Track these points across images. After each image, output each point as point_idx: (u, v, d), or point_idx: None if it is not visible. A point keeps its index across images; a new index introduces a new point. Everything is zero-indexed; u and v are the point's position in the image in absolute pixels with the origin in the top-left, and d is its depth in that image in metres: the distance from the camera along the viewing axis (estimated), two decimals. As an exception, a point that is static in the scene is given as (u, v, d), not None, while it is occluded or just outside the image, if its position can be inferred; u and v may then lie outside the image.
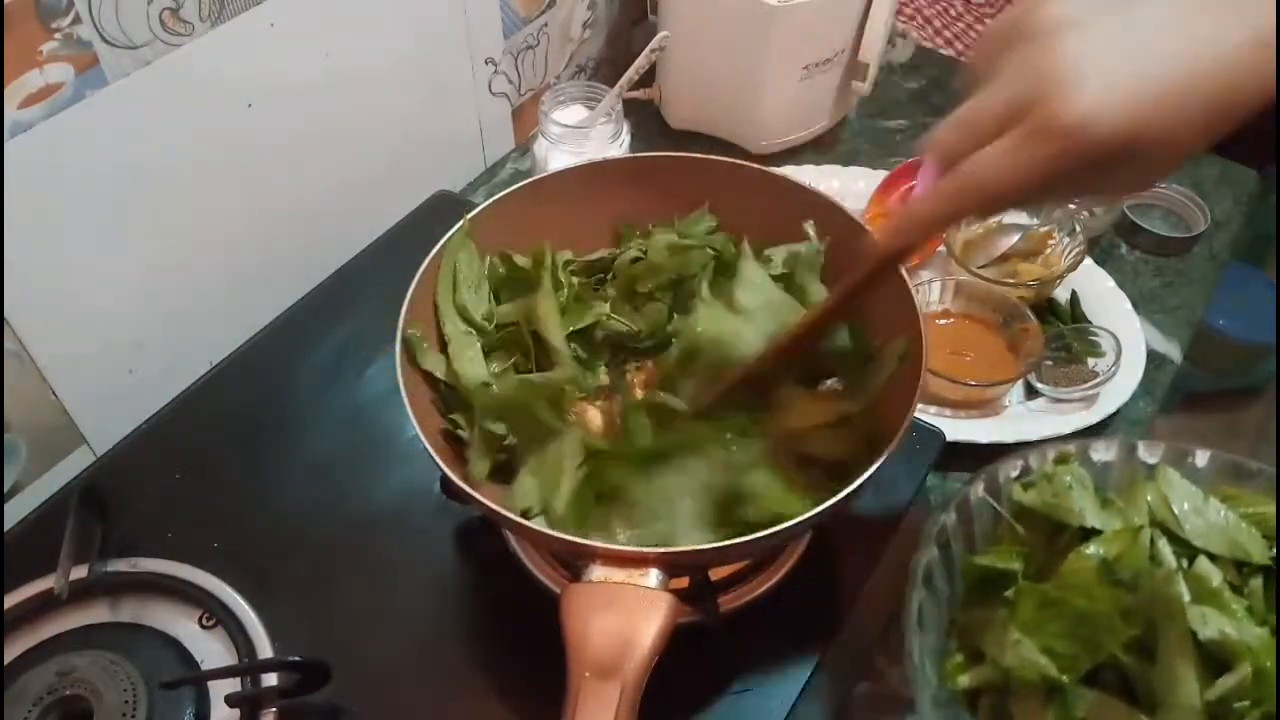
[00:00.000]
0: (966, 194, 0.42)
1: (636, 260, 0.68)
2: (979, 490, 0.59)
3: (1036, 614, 0.52)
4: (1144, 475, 0.59)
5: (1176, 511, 0.55)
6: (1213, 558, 0.53)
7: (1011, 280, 0.87)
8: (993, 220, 0.93)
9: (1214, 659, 0.49)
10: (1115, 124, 0.37)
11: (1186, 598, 0.51)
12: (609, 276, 0.69)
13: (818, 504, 0.51)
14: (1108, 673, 0.52)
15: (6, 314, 0.65)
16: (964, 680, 0.54)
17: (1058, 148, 0.38)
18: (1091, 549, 0.53)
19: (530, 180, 0.68)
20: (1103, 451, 0.60)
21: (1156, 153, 0.38)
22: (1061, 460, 0.59)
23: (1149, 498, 0.56)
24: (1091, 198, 0.42)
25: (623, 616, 0.47)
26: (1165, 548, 0.54)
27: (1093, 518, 0.55)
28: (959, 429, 0.77)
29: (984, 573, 0.56)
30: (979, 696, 0.55)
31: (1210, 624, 0.49)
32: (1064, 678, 0.50)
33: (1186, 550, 0.54)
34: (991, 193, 0.41)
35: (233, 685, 0.57)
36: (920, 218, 0.46)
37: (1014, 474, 0.60)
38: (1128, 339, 0.84)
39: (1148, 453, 0.60)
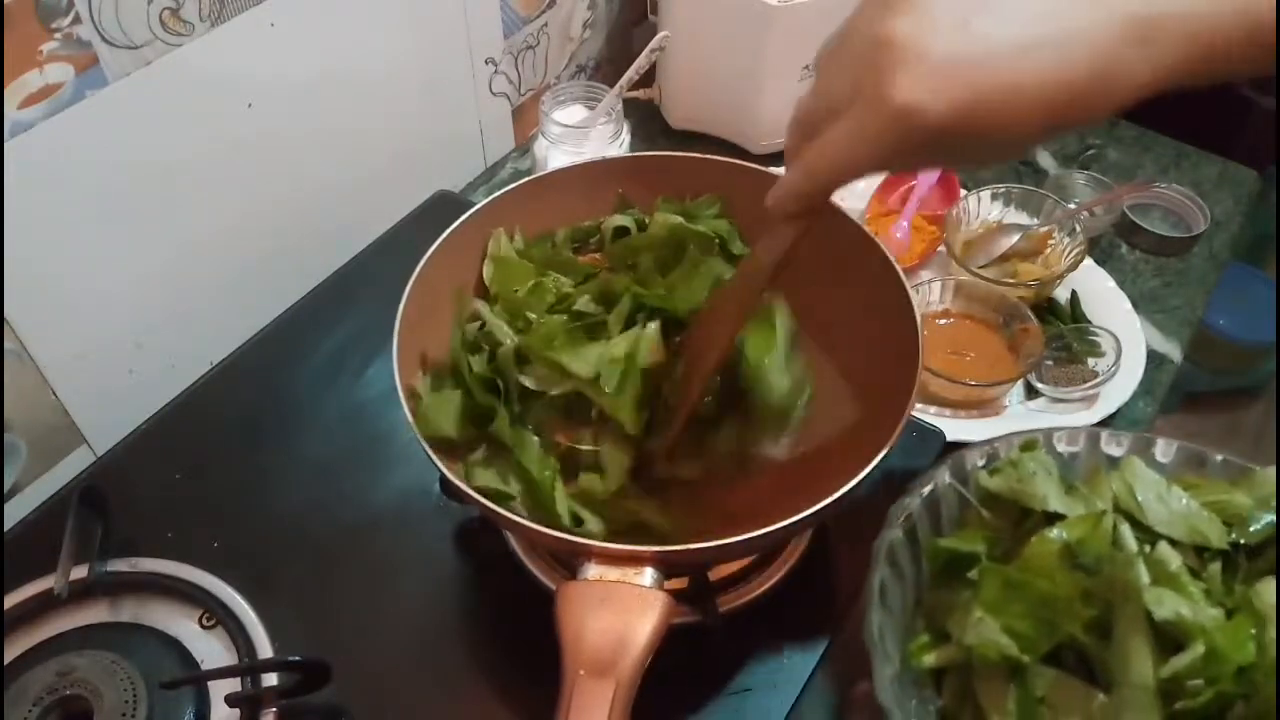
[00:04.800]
0: (817, 174, 0.44)
1: (622, 230, 0.68)
2: (945, 476, 0.60)
3: (999, 594, 0.53)
4: (1108, 465, 0.60)
5: (1139, 499, 0.56)
6: (1173, 543, 0.54)
7: (1011, 280, 0.87)
8: (993, 220, 0.93)
9: (1169, 640, 0.51)
10: (939, 113, 0.38)
11: (1145, 580, 0.52)
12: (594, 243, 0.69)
13: (817, 504, 0.51)
14: (1067, 653, 0.53)
15: (6, 314, 0.65)
16: (929, 659, 0.55)
17: (888, 130, 0.39)
18: (1055, 533, 0.55)
19: (530, 179, 0.68)
20: (1066, 443, 0.62)
21: (991, 138, 0.39)
22: (1027, 447, 0.60)
23: (1113, 485, 0.58)
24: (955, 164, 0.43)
25: (618, 615, 0.47)
26: (1127, 533, 0.55)
27: (1056, 503, 0.56)
28: (959, 429, 0.77)
29: (949, 555, 0.57)
30: (943, 676, 0.56)
31: (1166, 605, 0.50)
32: (1025, 657, 0.51)
33: (1148, 536, 0.55)
34: (840, 169, 0.43)
35: (233, 685, 0.57)
36: (783, 199, 0.47)
37: (980, 462, 0.61)
38: (1128, 339, 0.84)
39: (1111, 444, 0.61)
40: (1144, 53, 0.37)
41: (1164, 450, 0.61)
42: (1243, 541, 0.55)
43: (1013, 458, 0.60)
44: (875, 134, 0.40)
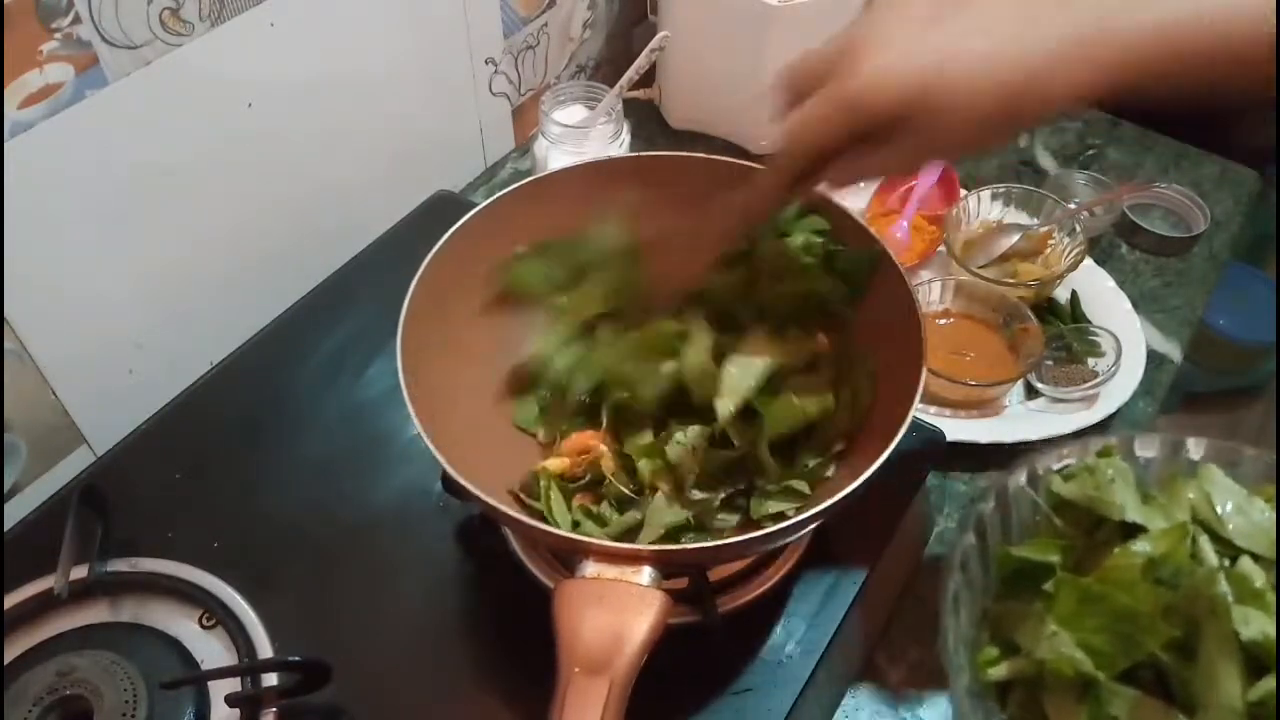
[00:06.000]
0: (793, 132, 0.50)
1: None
2: (1019, 480, 0.58)
3: (1076, 608, 0.51)
4: (1187, 472, 0.57)
5: (1219, 510, 0.54)
6: (1255, 558, 0.52)
7: (1011, 280, 0.87)
8: (993, 220, 0.93)
9: (1255, 661, 0.48)
10: (892, 86, 0.45)
11: (1229, 598, 0.50)
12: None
13: (817, 504, 0.51)
14: (1144, 671, 0.51)
15: (6, 314, 0.65)
16: (997, 672, 0.53)
17: (850, 98, 0.46)
18: (1138, 546, 0.52)
19: (532, 179, 0.68)
20: (1146, 447, 0.59)
21: (943, 117, 0.45)
22: (1104, 453, 0.58)
23: (1191, 495, 0.55)
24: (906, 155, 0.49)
25: (614, 613, 0.47)
26: (1207, 546, 0.52)
27: (1134, 513, 0.54)
28: (959, 429, 0.77)
29: (1020, 564, 0.55)
30: (1010, 690, 0.54)
31: (1253, 624, 0.48)
32: (1100, 674, 0.49)
33: (1228, 550, 0.53)
34: (810, 129, 0.49)
35: (233, 685, 0.57)
36: (764, 182, 0.54)
37: (1055, 466, 0.59)
38: (1128, 339, 0.84)
39: (1193, 450, 0.59)
40: (1085, 56, 0.44)
41: (1246, 460, 0.58)
42: None
43: (1089, 464, 0.57)
44: (839, 100, 0.46)
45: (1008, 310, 0.84)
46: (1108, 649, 0.50)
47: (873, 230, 0.64)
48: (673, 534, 0.59)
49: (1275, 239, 1.74)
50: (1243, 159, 1.09)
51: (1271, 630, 0.48)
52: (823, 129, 0.48)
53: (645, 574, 0.49)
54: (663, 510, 0.60)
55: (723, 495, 0.62)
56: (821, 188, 0.54)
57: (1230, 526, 0.53)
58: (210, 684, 0.57)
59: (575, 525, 0.61)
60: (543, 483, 0.61)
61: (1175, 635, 0.49)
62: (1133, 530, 0.54)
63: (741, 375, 0.62)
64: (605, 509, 0.62)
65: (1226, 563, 0.52)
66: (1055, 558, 0.54)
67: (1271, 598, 0.50)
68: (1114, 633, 0.50)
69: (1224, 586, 0.50)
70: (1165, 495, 0.56)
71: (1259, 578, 0.50)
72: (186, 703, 0.57)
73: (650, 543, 0.58)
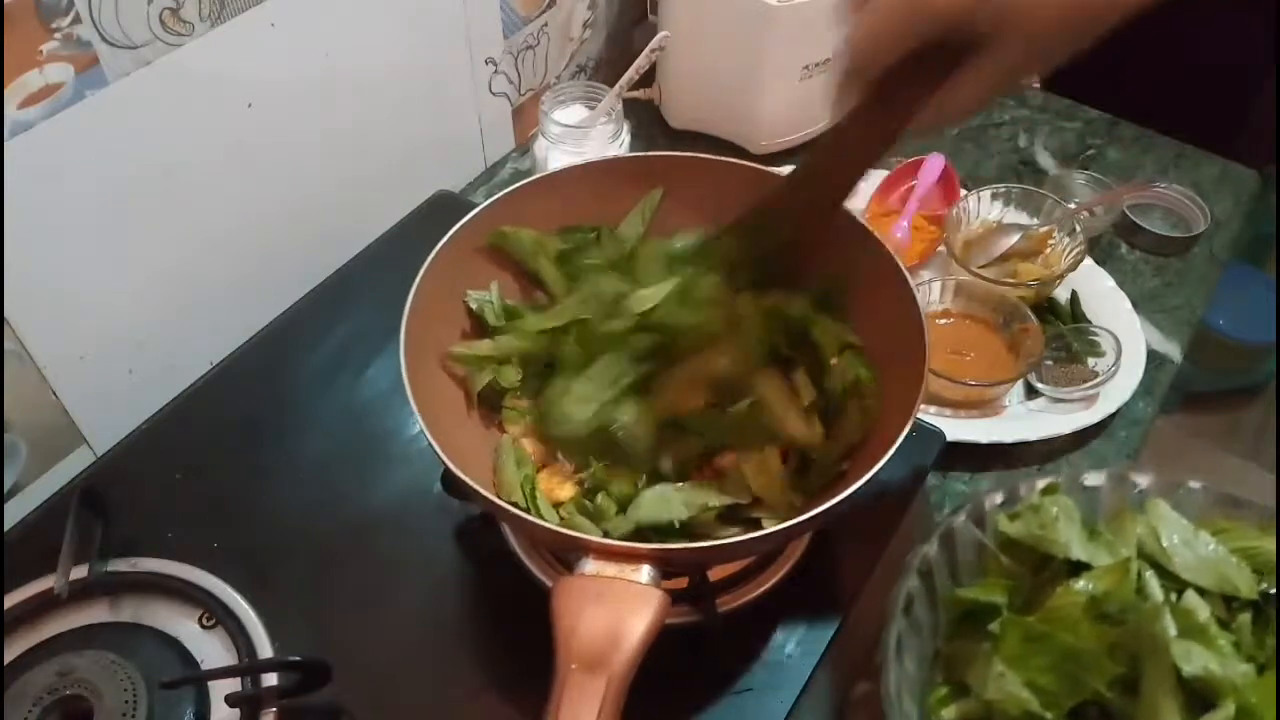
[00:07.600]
0: (859, 54, 0.47)
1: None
2: (962, 520, 0.59)
3: (1021, 647, 0.51)
4: (1134, 504, 0.58)
5: (1165, 544, 0.54)
6: (1201, 592, 0.52)
7: (1011, 280, 0.87)
8: (993, 220, 0.93)
9: (1198, 696, 0.49)
10: None
11: (1173, 632, 0.50)
12: None
13: (818, 504, 0.51)
14: (1091, 708, 0.51)
15: (6, 314, 0.65)
16: (948, 714, 0.53)
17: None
18: (1081, 584, 0.53)
19: (532, 179, 0.68)
20: (1093, 478, 0.60)
21: (1020, 17, 0.43)
22: (1049, 491, 0.58)
23: (1138, 530, 0.56)
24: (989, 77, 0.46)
25: (612, 611, 0.47)
26: (1153, 581, 0.53)
27: (1079, 550, 0.55)
28: (959, 429, 0.77)
29: (968, 605, 0.55)
30: None
31: (1195, 660, 0.48)
32: (1048, 714, 0.49)
33: (1175, 584, 0.53)
34: (877, 46, 0.46)
35: (233, 685, 0.57)
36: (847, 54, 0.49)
37: (999, 503, 0.59)
38: (1128, 339, 0.84)
39: (1139, 480, 0.59)
40: None
41: (1192, 492, 0.58)
42: (1274, 591, 0.53)
43: (1034, 502, 0.57)
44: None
45: (1008, 310, 0.84)
46: (1054, 688, 0.50)
47: (871, 228, 0.64)
48: (659, 531, 0.58)
49: (1275, 239, 1.75)
50: (1242, 159, 1.08)
51: (1214, 665, 0.48)
52: (888, 32, 0.45)
53: (644, 572, 0.49)
54: (648, 505, 0.58)
55: (720, 507, 0.60)
56: (925, 124, 0.49)
57: (1176, 561, 0.53)
58: (210, 684, 0.57)
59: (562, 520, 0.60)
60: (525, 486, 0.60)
61: (1120, 672, 0.49)
62: (1079, 567, 0.54)
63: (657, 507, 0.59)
64: (601, 501, 0.61)
65: (1173, 597, 0.52)
66: (1001, 598, 0.54)
67: (1215, 631, 0.50)
68: (1060, 672, 0.50)
69: (1167, 622, 0.50)
70: (1112, 531, 0.56)
71: (1203, 611, 0.51)
72: (186, 703, 0.57)
73: (623, 534, 0.57)
